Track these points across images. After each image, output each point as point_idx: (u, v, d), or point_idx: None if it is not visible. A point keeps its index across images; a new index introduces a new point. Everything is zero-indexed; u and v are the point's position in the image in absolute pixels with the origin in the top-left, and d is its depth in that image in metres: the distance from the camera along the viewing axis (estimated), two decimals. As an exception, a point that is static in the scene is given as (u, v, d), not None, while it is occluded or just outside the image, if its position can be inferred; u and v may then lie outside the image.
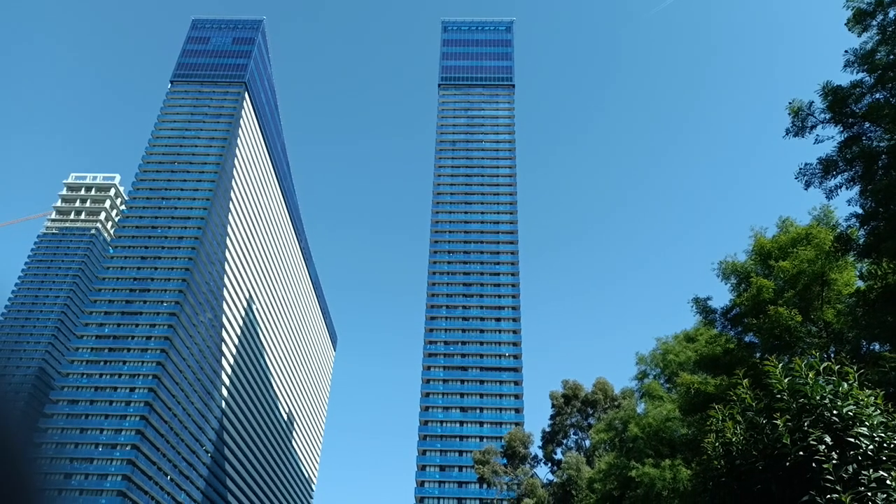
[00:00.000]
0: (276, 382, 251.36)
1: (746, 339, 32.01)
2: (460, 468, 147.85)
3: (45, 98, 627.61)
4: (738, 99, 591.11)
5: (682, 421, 36.00)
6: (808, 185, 24.75)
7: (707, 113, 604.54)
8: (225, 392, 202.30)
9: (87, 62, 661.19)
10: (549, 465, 75.16)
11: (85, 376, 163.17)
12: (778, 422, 10.06)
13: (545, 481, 72.54)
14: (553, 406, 74.91)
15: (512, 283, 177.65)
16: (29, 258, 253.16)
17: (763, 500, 9.96)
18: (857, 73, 23.93)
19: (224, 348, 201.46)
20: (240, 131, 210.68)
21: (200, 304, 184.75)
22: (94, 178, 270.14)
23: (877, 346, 26.54)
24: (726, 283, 33.51)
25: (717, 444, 11.46)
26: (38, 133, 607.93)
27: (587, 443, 69.84)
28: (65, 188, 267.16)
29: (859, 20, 23.99)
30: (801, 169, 24.87)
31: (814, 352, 26.48)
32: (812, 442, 9.40)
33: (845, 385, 10.07)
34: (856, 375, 10.38)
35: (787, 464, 9.60)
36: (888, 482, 8.71)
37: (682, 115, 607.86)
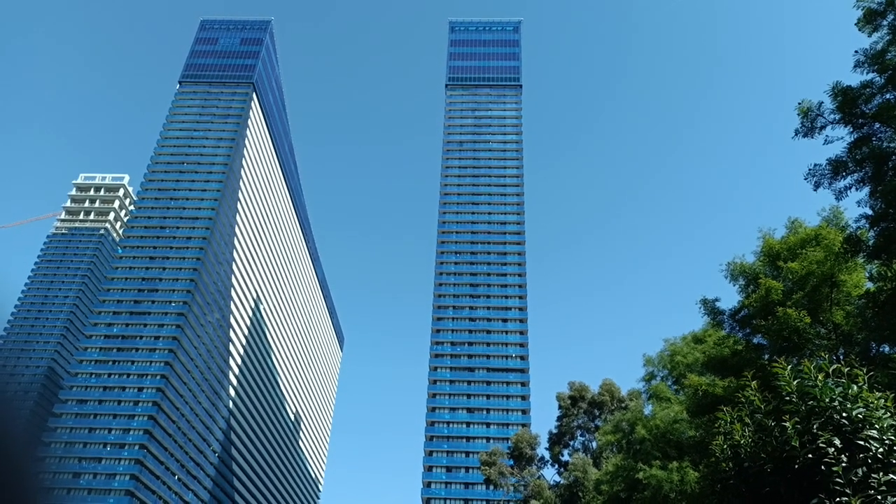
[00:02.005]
0: (283, 382, 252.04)
1: (755, 340, 31.89)
2: (467, 469, 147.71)
3: (54, 99, 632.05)
4: (747, 99, 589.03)
5: (690, 423, 35.89)
6: (817, 186, 24.64)
7: (716, 113, 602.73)
8: (232, 392, 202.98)
9: (95, 63, 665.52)
10: (556, 466, 75.05)
11: (94, 376, 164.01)
12: (787, 424, 10.01)
13: (552, 483, 72.38)
14: (560, 407, 74.82)
15: (519, 284, 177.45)
16: (38, 258, 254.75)
17: (771, 502, 9.91)
18: (868, 73, 23.80)
19: (232, 348, 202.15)
20: (248, 131, 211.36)
21: (208, 304, 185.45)
22: (104, 178, 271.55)
23: (886, 349, 26.40)
24: (734, 285, 33.42)
25: (725, 446, 11.41)
26: (47, 133, 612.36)
27: (594, 444, 69.68)
28: (74, 188, 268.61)
29: (870, 20, 23.86)
30: (810, 170, 24.77)
31: (823, 354, 26.39)
32: (821, 444, 9.34)
33: (855, 387, 10.01)
34: (865, 378, 10.31)
35: (796, 466, 9.55)
36: (898, 485, 8.65)
37: (691, 115, 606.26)
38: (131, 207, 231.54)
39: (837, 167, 23.97)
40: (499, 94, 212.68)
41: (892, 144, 23.11)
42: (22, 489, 2.55)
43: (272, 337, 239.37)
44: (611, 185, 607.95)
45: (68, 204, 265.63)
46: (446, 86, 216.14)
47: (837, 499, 8.74)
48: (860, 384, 10.15)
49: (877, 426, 9.38)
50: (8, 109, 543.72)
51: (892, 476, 8.76)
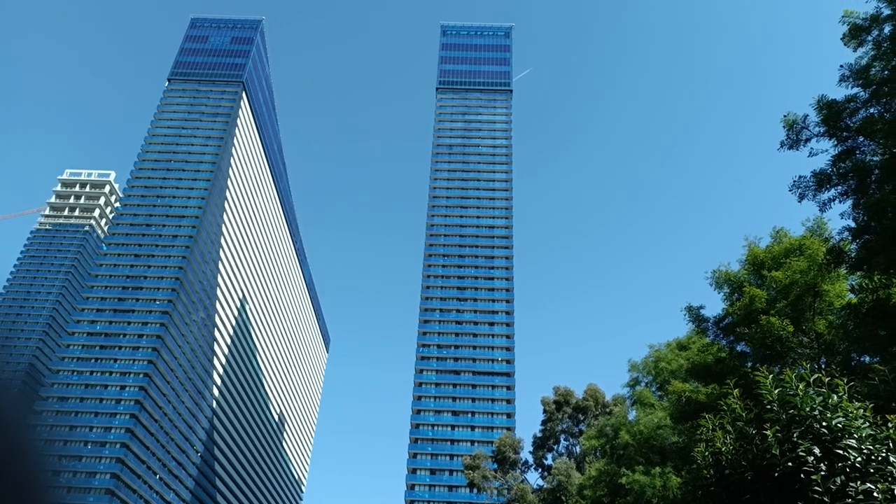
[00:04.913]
0: (267, 383, 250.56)
1: (738, 348, 32.15)
2: (451, 472, 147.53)
3: (42, 94, 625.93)
4: (734, 110, 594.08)
5: (673, 429, 36.10)
6: (801, 197, 24.94)
7: (703, 122, 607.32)
8: (216, 392, 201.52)
9: (85, 59, 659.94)
10: (540, 470, 75.13)
11: (75, 373, 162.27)
12: (767, 432, 10.15)
13: (535, 487, 72.46)
14: (544, 412, 74.93)
15: (506, 288, 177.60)
16: (22, 254, 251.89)
17: (752, 509, 10.04)
18: (852, 87, 24.16)
19: (216, 348, 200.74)
20: (236, 131, 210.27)
21: (193, 303, 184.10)
22: (90, 174, 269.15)
23: (867, 359, 26.72)
24: (719, 292, 33.66)
25: (706, 453, 11.54)
26: (34, 129, 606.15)
27: (578, 449, 69.88)
28: (59, 184, 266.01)
29: (855, 35, 24.23)
30: (794, 182, 25.06)
31: (804, 363, 26.69)
32: (801, 453, 9.48)
33: (835, 397, 10.17)
34: (845, 388, 10.48)
35: (776, 474, 9.69)
36: (875, 494, 8.81)
37: (679, 124, 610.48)
38: (117, 204, 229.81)
39: (822, 179, 24.29)
40: (489, 99, 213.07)
41: (875, 158, 23.44)
42: (25, 478, 2.62)
43: (257, 337, 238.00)
44: (599, 190, 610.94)
45: (53, 200, 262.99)
46: (437, 89, 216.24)
47: (816, 507, 8.89)
48: (840, 394, 10.32)
49: (855, 435, 9.54)
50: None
51: (869, 485, 8.92)
